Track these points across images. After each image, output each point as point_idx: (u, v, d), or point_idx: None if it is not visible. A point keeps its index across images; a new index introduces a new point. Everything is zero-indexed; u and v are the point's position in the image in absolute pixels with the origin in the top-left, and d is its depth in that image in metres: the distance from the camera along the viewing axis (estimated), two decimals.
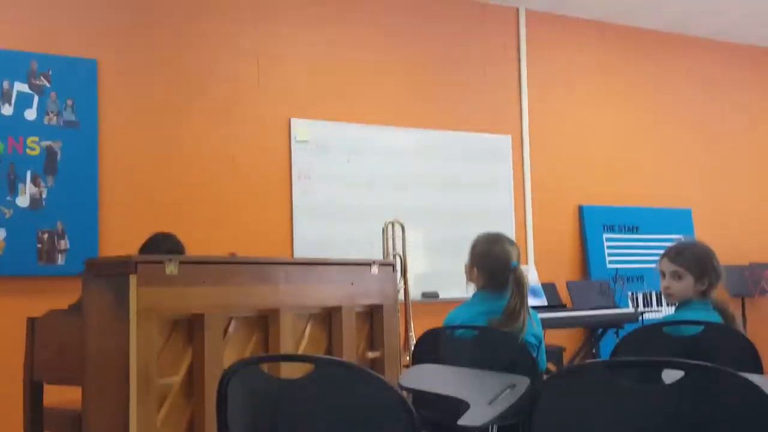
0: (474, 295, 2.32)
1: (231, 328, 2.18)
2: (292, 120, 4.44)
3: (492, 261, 2.25)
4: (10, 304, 3.53)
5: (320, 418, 1.22)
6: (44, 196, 3.71)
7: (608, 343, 4.80)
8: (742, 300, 5.45)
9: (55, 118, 3.75)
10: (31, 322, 2.36)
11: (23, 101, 3.72)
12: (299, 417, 1.24)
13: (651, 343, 2.01)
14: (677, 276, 2.21)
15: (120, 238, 3.80)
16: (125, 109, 3.99)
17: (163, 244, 2.64)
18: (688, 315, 2.18)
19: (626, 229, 5.48)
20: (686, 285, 2.20)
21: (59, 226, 3.73)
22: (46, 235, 3.69)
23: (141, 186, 3.98)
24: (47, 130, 3.74)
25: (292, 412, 1.25)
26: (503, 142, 5.13)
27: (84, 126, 3.83)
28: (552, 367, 4.31)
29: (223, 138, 4.24)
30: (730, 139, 6.01)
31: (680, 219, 5.66)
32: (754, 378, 1.01)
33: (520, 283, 2.16)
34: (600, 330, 4.87)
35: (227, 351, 2.13)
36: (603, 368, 1.16)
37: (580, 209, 5.38)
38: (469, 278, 2.32)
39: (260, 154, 4.33)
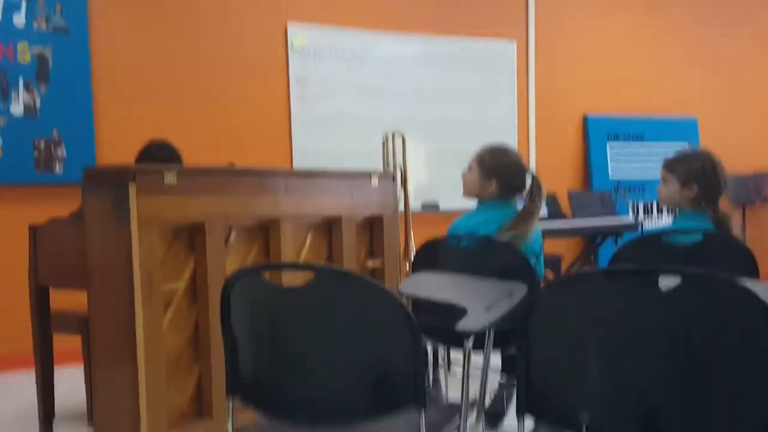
0: (480, 205, 2.31)
1: (232, 237, 2.20)
2: (289, 25, 4.29)
3: (510, 170, 2.26)
4: (9, 212, 3.55)
5: (321, 325, 1.24)
6: (38, 104, 3.64)
7: (607, 251, 4.87)
8: (743, 208, 5.48)
9: (44, 23, 3.62)
10: (33, 230, 2.37)
11: (11, 5, 3.57)
12: (300, 324, 1.26)
13: (649, 251, 2.03)
14: (664, 180, 2.24)
15: (116, 146, 3.76)
16: (116, 14, 3.84)
17: (158, 153, 2.61)
18: (686, 224, 2.19)
19: (631, 137, 5.41)
20: (671, 190, 2.22)
21: (55, 134, 3.68)
22: (42, 143, 3.65)
23: (136, 94, 3.90)
24: (37, 36, 3.62)
25: (293, 319, 1.27)
26: (508, 48, 4.98)
27: (74, 31, 3.70)
28: (550, 275, 4.40)
29: (219, 45, 4.11)
30: (737, 47, 5.83)
31: (685, 128, 5.58)
32: (749, 284, 1.01)
33: (539, 189, 2.19)
34: (599, 239, 4.92)
35: (229, 259, 2.16)
36: (600, 276, 1.17)
37: (585, 118, 5.29)
38: (480, 190, 2.29)
39: (257, 61, 4.21)
